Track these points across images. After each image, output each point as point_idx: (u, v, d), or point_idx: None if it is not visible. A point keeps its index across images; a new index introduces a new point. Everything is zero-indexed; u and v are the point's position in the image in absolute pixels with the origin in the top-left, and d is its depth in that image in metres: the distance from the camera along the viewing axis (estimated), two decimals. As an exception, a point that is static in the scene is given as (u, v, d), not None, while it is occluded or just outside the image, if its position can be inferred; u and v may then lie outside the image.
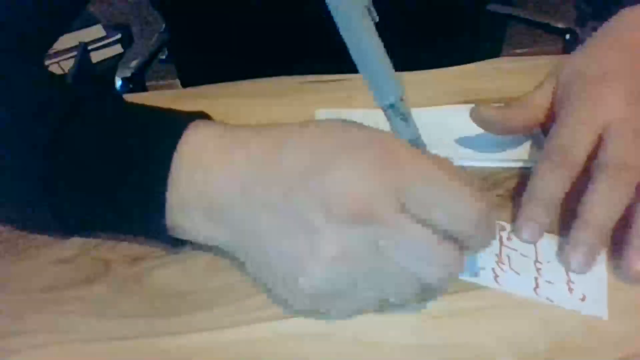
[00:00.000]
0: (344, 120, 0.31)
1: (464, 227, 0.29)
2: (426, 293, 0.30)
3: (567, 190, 0.35)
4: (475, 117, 0.41)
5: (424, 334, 0.31)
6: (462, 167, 0.39)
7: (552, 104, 0.40)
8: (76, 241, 0.36)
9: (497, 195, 0.39)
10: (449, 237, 0.29)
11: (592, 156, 0.36)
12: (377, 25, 0.29)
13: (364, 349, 0.30)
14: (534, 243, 0.35)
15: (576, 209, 0.34)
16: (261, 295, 0.33)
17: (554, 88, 0.41)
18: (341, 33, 0.27)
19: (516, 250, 0.35)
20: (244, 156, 0.31)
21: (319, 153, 0.29)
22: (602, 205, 0.33)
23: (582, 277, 0.33)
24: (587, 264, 0.33)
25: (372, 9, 0.28)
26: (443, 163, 0.30)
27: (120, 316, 0.32)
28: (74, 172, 0.32)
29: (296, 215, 0.29)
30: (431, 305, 0.32)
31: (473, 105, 0.41)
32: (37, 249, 0.36)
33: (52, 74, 0.40)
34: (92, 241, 0.36)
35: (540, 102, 0.41)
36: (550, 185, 0.35)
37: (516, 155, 0.42)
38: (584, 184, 0.35)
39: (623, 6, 0.43)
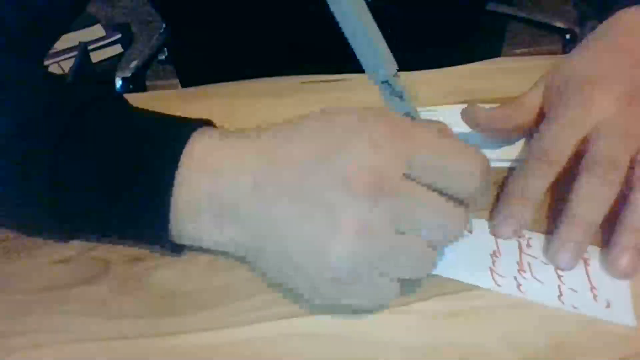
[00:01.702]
0: (342, 108, 0.31)
1: (469, 188, 0.30)
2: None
3: (547, 188, 0.36)
4: (467, 117, 0.41)
5: (424, 334, 0.31)
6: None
7: (544, 106, 0.41)
8: (76, 241, 0.36)
9: (495, 196, 0.38)
10: (454, 198, 0.30)
11: (579, 156, 0.36)
12: (375, 22, 0.29)
13: (364, 349, 0.30)
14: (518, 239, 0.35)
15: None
16: (261, 295, 0.33)
17: (545, 90, 0.41)
18: (333, 11, 0.28)
19: (536, 258, 0.34)
20: (253, 153, 0.31)
21: (327, 138, 0.30)
22: (588, 202, 0.33)
23: (604, 283, 0.33)
24: (575, 262, 0.33)
25: None
26: (440, 131, 0.31)
27: (120, 316, 0.32)
28: (78, 177, 0.32)
29: (314, 198, 0.29)
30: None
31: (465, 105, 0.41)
32: (37, 249, 0.36)
33: (55, 75, 0.40)
34: (92, 241, 0.36)
35: (532, 104, 0.41)
36: (532, 183, 0.36)
37: (516, 155, 0.42)
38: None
39: (622, 6, 0.43)
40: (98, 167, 0.32)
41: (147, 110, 0.35)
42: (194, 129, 0.32)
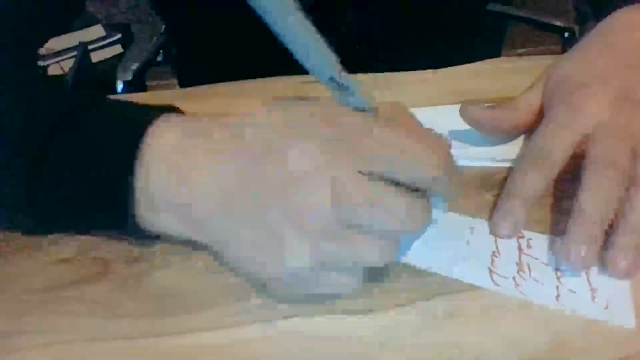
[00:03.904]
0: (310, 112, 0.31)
1: (425, 176, 0.30)
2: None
3: (544, 188, 0.36)
4: (464, 115, 0.41)
5: (424, 334, 0.31)
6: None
7: (541, 108, 0.41)
8: (76, 241, 0.36)
9: (495, 196, 0.39)
10: (416, 188, 0.30)
11: (577, 159, 0.36)
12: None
13: (364, 349, 0.30)
14: (516, 239, 0.35)
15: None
16: (261, 295, 0.33)
17: (542, 92, 0.41)
18: (265, 19, 0.27)
19: (536, 258, 0.34)
20: (227, 166, 0.31)
21: (292, 169, 0.30)
22: (595, 200, 0.33)
23: (604, 284, 0.32)
24: (590, 260, 0.33)
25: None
26: (396, 120, 0.31)
27: (120, 316, 0.32)
28: (56, 182, 0.33)
29: (268, 229, 0.29)
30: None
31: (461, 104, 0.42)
32: (37, 249, 0.36)
33: (43, 76, 0.40)
34: (92, 241, 0.36)
35: (529, 105, 0.41)
36: (529, 184, 0.36)
37: (516, 155, 0.42)
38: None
39: (619, 6, 0.43)
40: (75, 171, 0.33)
41: (120, 106, 0.35)
42: (152, 122, 0.32)
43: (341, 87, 0.30)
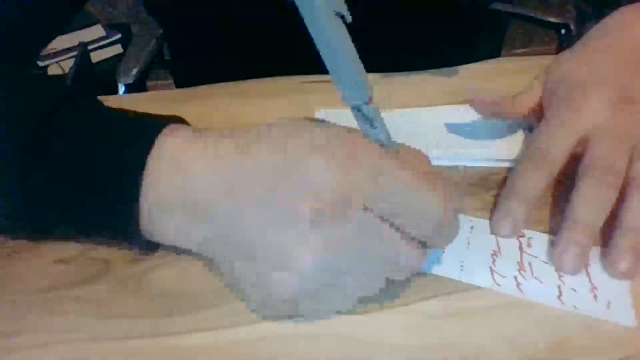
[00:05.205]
0: (311, 120, 0.32)
1: (424, 230, 0.29)
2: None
3: (543, 188, 0.36)
4: (475, 105, 0.42)
5: (424, 334, 0.31)
6: (458, 168, 0.39)
7: (540, 107, 0.41)
8: (76, 241, 0.36)
9: (495, 196, 0.39)
10: (413, 236, 0.29)
11: (575, 159, 0.36)
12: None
13: (364, 349, 0.30)
14: (517, 238, 0.35)
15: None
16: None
17: (541, 90, 0.41)
18: (310, 33, 0.27)
19: (537, 257, 0.34)
20: (222, 157, 0.31)
21: (291, 150, 0.29)
22: (588, 206, 0.34)
23: (605, 283, 0.33)
24: (580, 266, 0.33)
25: (345, 12, 0.27)
26: (410, 162, 0.30)
27: (120, 316, 0.32)
28: (49, 179, 0.32)
29: (281, 209, 0.29)
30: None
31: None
32: (37, 249, 0.36)
33: (37, 73, 0.40)
34: (92, 241, 0.36)
35: (528, 104, 0.42)
36: (528, 184, 0.36)
37: (516, 155, 0.42)
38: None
39: (619, 5, 0.43)
40: (69, 168, 0.32)
41: (119, 110, 0.34)
42: (163, 128, 0.32)
43: (364, 117, 0.30)
